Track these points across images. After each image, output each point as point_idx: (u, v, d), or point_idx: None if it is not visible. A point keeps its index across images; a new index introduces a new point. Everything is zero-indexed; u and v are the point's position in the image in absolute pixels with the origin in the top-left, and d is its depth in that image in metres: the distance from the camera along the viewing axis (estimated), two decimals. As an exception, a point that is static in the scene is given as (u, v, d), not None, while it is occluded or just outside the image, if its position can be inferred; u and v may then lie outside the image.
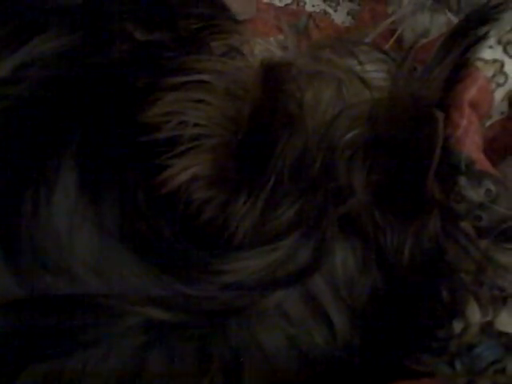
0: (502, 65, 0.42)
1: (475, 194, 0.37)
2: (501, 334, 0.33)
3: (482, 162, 0.39)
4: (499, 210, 0.36)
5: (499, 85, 0.42)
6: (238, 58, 0.36)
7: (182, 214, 0.29)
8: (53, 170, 0.28)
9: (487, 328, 0.33)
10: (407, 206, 0.30)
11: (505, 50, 0.42)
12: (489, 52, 0.42)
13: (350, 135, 0.31)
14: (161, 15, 0.35)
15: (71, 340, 0.27)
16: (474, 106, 0.41)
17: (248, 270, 0.28)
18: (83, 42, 0.33)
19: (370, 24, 0.53)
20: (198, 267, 0.28)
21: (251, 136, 0.30)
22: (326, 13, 0.60)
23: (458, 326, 0.32)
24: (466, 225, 0.34)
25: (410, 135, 0.30)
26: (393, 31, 0.48)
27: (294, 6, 0.60)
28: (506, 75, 0.42)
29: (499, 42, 0.42)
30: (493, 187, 0.37)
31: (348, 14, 0.60)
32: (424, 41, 0.45)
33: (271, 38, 0.50)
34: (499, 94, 0.43)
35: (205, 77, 0.31)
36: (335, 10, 0.60)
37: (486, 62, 0.42)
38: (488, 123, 0.44)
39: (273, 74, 0.30)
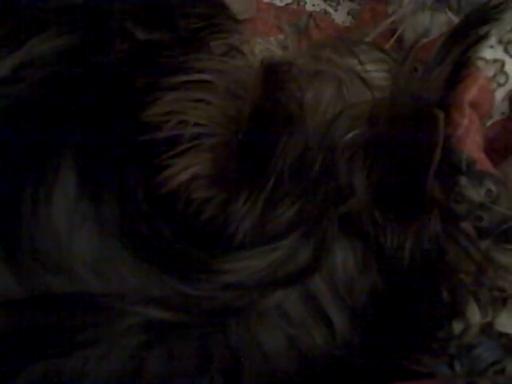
0: (503, 64, 0.42)
1: (476, 194, 0.36)
2: (501, 334, 0.33)
3: (483, 162, 0.39)
4: (500, 210, 0.36)
5: (500, 84, 0.42)
6: (239, 58, 0.35)
7: (181, 213, 0.29)
8: (52, 169, 0.28)
9: (487, 329, 0.33)
10: (407, 206, 0.30)
11: (506, 50, 0.42)
12: (489, 52, 0.42)
13: (350, 135, 0.31)
14: (161, 15, 0.35)
15: (71, 339, 0.27)
16: (474, 105, 0.41)
17: (248, 269, 0.28)
18: (83, 41, 0.32)
19: (370, 24, 0.53)
20: (198, 267, 0.28)
21: (251, 135, 0.30)
22: (326, 12, 0.60)
23: (457, 327, 0.32)
24: (466, 225, 0.34)
25: (410, 135, 0.30)
26: (393, 31, 0.48)
27: (295, 6, 0.60)
28: (506, 75, 0.42)
29: (500, 42, 0.42)
30: (494, 187, 0.37)
31: (348, 13, 0.60)
32: (424, 40, 0.45)
33: (271, 38, 0.50)
34: (500, 94, 0.43)
35: (205, 76, 0.31)
36: (336, 10, 0.60)
37: (486, 61, 0.42)
38: (489, 123, 0.44)
39: (273, 74, 0.30)
